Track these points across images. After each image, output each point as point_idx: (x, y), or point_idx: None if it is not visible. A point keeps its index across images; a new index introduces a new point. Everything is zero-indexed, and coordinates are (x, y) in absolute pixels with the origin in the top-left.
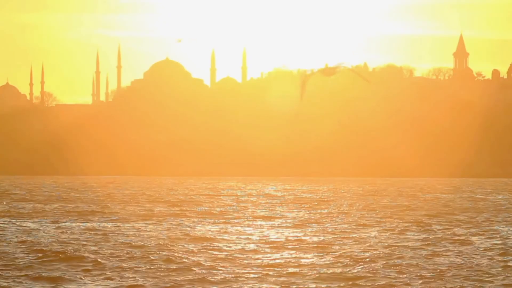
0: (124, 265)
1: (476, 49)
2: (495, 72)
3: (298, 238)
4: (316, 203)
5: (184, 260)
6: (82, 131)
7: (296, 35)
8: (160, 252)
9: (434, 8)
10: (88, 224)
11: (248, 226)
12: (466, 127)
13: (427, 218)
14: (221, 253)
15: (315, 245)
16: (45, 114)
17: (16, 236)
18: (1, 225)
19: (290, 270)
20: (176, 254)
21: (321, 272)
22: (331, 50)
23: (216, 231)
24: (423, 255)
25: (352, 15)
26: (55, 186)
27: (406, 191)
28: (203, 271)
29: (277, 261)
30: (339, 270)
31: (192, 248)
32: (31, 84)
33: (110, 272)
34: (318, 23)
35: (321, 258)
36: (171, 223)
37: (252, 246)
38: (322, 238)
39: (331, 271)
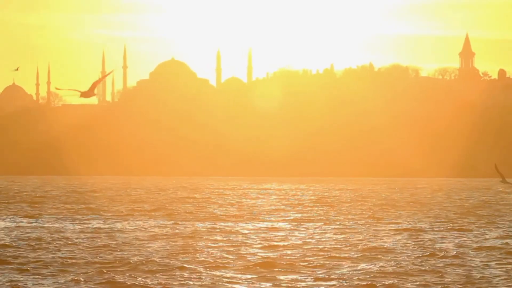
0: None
1: (482, 49)
2: (501, 72)
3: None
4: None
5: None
6: (88, 131)
7: (301, 35)
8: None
9: (440, 8)
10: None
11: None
12: (472, 127)
13: None
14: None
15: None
16: (51, 114)
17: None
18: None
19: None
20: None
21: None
22: (336, 50)
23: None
24: None
25: (357, 15)
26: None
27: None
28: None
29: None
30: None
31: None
32: (37, 84)
33: None
34: (323, 23)
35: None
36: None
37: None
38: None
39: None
